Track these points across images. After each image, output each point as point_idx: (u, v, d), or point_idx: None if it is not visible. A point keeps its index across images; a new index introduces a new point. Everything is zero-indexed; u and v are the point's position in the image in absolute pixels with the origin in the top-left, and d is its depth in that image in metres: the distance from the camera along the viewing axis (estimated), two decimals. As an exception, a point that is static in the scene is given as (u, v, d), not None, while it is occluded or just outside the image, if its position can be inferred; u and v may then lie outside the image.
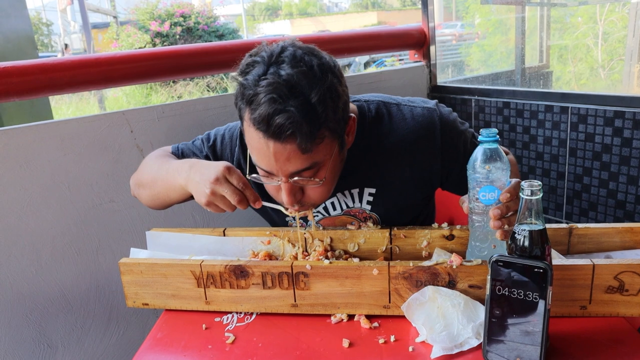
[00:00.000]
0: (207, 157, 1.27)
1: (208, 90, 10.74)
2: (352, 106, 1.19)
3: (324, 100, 0.95)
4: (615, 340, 0.91)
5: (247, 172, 1.09)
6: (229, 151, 1.26)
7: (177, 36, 11.15)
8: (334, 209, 1.25)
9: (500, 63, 4.44)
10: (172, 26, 11.11)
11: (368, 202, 1.23)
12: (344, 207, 1.24)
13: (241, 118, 1.01)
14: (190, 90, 10.66)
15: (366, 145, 1.18)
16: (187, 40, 11.24)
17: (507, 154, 1.30)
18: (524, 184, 0.83)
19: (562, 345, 0.90)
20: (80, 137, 1.55)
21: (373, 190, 1.22)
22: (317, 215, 1.27)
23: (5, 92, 1.45)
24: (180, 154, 1.30)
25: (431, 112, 1.18)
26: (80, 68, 1.58)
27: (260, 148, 0.98)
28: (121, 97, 10.98)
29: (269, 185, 1.08)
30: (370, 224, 1.18)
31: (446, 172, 1.20)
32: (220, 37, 11.74)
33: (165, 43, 10.99)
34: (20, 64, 1.46)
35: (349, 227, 1.18)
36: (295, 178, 1.01)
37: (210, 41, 11.30)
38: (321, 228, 1.19)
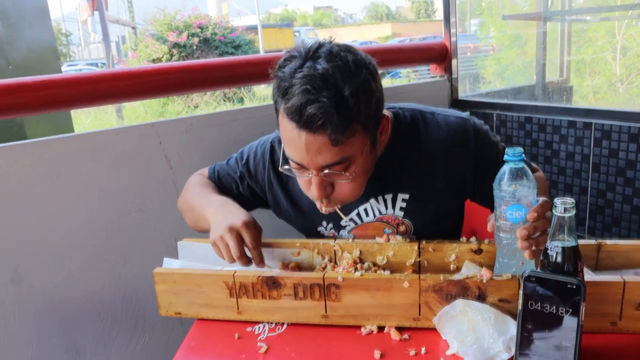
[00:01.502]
0: (241, 177, 1.32)
1: (224, 100, 10.83)
2: (388, 112, 1.22)
3: (357, 94, 0.98)
4: (646, 357, 0.92)
5: (280, 165, 1.12)
6: (261, 167, 1.30)
7: (194, 47, 11.28)
8: (367, 215, 1.26)
9: (516, 76, 4.44)
10: (190, 37, 11.25)
11: (401, 209, 1.25)
12: (377, 213, 1.26)
13: (277, 111, 1.05)
14: (206, 100, 10.76)
15: (401, 150, 1.21)
16: (204, 50, 11.37)
17: (536, 170, 1.31)
18: (557, 201, 0.84)
19: (593, 361, 0.91)
20: (110, 148, 1.59)
21: (406, 196, 1.24)
22: (350, 224, 1.28)
23: (28, 106, 1.50)
24: (216, 178, 1.35)
25: (465, 121, 1.21)
26: (101, 82, 1.62)
27: (292, 139, 1.01)
28: (138, 107, 11.12)
29: (300, 179, 1.11)
30: (399, 236, 1.20)
31: (478, 181, 1.22)
32: (237, 47, 11.86)
33: (182, 53, 11.13)
34: (43, 78, 1.50)
35: (378, 239, 1.19)
36: (326, 171, 1.04)
37: (227, 51, 11.47)
38: (352, 239, 1.21)
